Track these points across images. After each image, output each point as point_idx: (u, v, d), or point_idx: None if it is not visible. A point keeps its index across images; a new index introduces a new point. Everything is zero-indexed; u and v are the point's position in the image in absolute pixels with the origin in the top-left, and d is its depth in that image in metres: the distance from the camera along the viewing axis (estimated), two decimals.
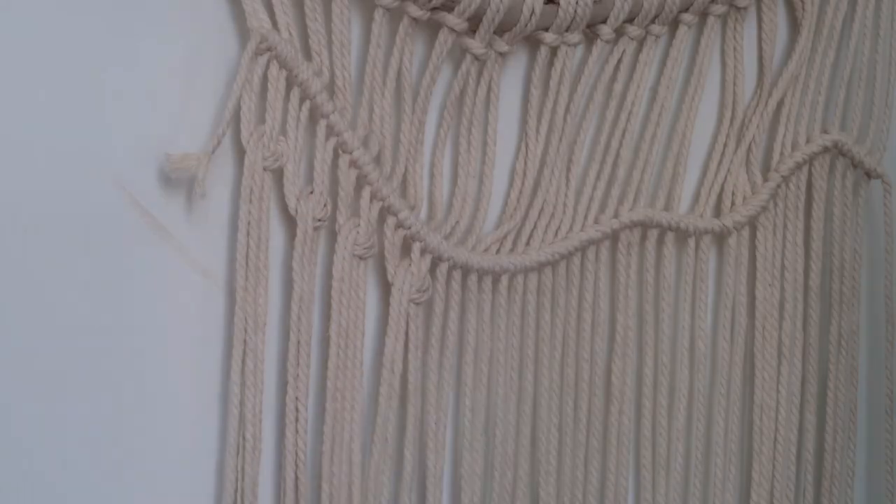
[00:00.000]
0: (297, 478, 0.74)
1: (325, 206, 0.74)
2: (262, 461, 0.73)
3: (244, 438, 0.72)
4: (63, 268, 0.69)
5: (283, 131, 0.73)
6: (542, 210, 0.83)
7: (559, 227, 0.83)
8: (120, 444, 0.71)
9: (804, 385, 0.94)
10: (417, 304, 0.77)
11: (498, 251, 0.81)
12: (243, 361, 0.72)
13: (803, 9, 0.91)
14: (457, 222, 0.80)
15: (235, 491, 0.72)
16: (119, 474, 0.72)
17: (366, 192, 0.75)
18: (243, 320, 0.72)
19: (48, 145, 0.68)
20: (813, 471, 0.95)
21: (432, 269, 0.78)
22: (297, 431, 0.74)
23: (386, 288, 0.78)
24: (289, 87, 0.72)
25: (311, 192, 0.73)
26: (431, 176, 0.79)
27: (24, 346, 0.68)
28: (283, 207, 0.74)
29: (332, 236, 0.75)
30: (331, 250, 0.75)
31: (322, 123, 0.73)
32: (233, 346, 0.72)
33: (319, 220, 0.73)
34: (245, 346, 0.72)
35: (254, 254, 0.72)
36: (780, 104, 0.91)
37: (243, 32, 0.72)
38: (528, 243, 0.82)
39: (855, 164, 0.95)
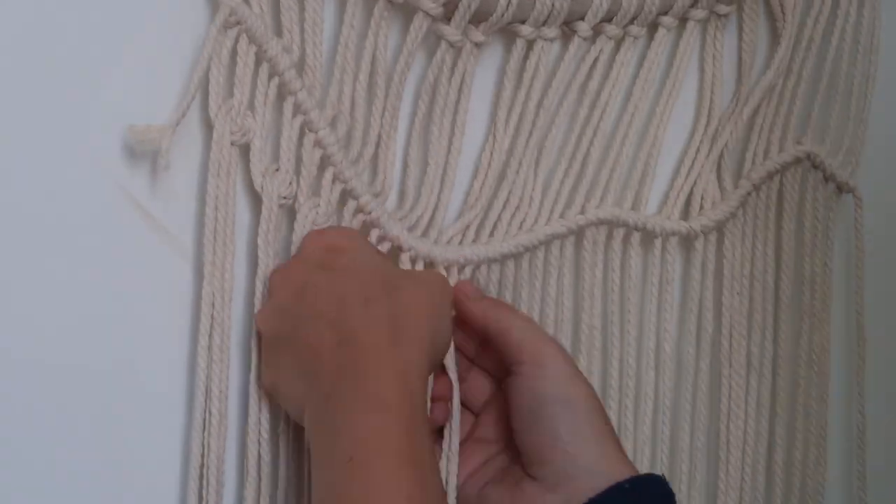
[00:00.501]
0: (259, 455, 0.74)
1: (290, 184, 0.74)
2: (227, 438, 0.74)
3: (210, 413, 0.72)
4: (30, 239, 0.69)
5: (252, 106, 0.73)
6: (507, 202, 0.83)
7: (524, 220, 0.83)
8: (85, 419, 0.71)
9: (774, 398, 0.94)
10: None
11: (461, 242, 0.81)
12: (210, 336, 0.73)
13: (784, 20, 0.91)
14: (422, 212, 0.80)
15: (201, 466, 0.73)
16: (84, 449, 0.72)
17: (328, 173, 0.75)
18: (210, 294, 0.72)
19: (13, 116, 0.68)
20: (782, 485, 0.95)
21: (394, 259, 0.78)
22: (259, 409, 0.74)
23: None
24: (258, 63, 0.73)
25: (277, 170, 0.74)
26: (405, 164, 0.80)
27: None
28: (251, 183, 0.74)
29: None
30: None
31: (290, 100, 0.73)
32: (200, 321, 0.72)
33: (284, 198, 0.74)
34: (212, 320, 0.73)
35: (221, 228, 0.72)
36: (756, 112, 0.91)
37: (215, 5, 0.72)
38: (491, 234, 0.82)
39: (827, 177, 0.95)
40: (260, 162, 0.73)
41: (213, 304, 0.73)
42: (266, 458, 0.74)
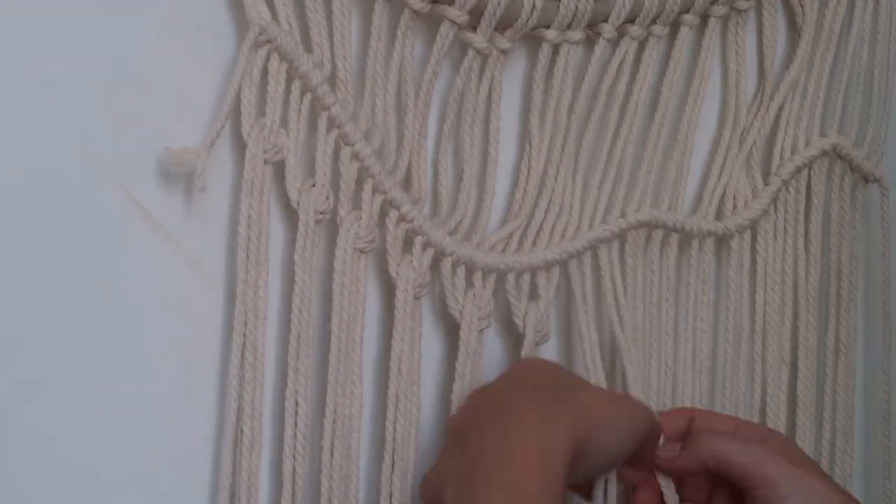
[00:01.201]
0: (294, 471, 0.73)
1: (326, 198, 0.73)
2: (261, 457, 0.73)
3: (242, 432, 0.72)
4: (59, 265, 0.68)
5: (284, 124, 0.72)
6: (548, 209, 0.82)
7: (566, 227, 0.83)
8: (116, 440, 0.71)
9: (805, 389, 0.94)
10: (417, 298, 0.77)
11: (504, 250, 0.81)
12: (242, 355, 0.72)
13: (803, 13, 0.91)
14: (461, 219, 0.79)
15: (232, 485, 0.72)
16: (114, 470, 0.71)
17: (368, 186, 0.75)
18: (243, 314, 0.72)
19: (45, 140, 0.67)
20: None
21: (435, 265, 0.78)
22: (296, 425, 0.73)
23: (386, 284, 0.77)
24: (289, 80, 0.72)
25: (313, 185, 0.73)
26: (435, 172, 0.79)
27: (19, 342, 0.68)
28: (284, 201, 0.73)
29: (333, 230, 0.74)
30: (331, 244, 0.74)
31: (324, 116, 0.73)
32: (232, 340, 0.72)
33: (321, 213, 0.73)
34: (245, 339, 0.72)
35: (254, 247, 0.72)
36: (781, 108, 0.91)
37: (241, 24, 0.71)
38: (534, 243, 0.82)
39: (853, 168, 0.95)
40: (295, 178, 0.72)
41: (245, 324, 0.72)
42: (301, 472, 0.73)
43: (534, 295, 0.82)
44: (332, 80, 0.73)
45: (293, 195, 0.72)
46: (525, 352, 0.81)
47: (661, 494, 0.80)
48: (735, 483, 0.78)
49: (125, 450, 0.71)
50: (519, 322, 0.81)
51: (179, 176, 0.71)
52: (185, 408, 0.73)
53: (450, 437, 0.75)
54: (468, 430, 0.72)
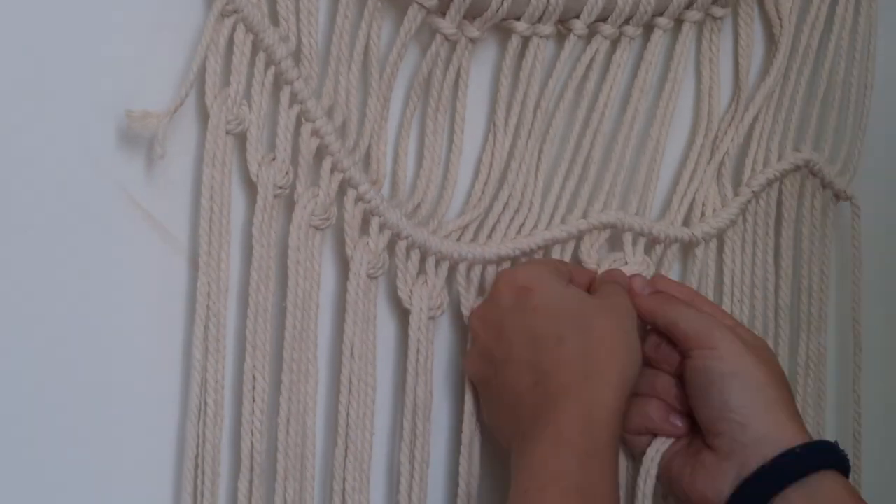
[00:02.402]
0: (252, 446, 0.73)
1: (286, 173, 0.74)
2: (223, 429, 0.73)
3: (206, 404, 0.72)
4: (26, 232, 0.69)
5: (248, 96, 0.73)
6: (507, 203, 0.82)
7: (524, 223, 0.83)
8: (81, 411, 0.71)
9: None
10: (373, 278, 0.77)
11: (459, 238, 0.81)
12: (206, 327, 0.72)
13: (781, 25, 0.91)
14: (419, 203, 0.79)
15: (196, 457, 0.72)
16: (78, 443, 0.71)
17: (326, 163, 0.75)
18: (206, 285, 0.72)
19: (12, 106, 0.68)
20: None
21: (391, 247, 0.78)
22: (253, 400, 0.73)
23: (345, 265, 0.77)
24: (254, 52, 0.72)
25: (273, 159, 0.73)
26: (396, 155, 0.79)
27: None
28: (246, 174, 0.73)
29: (292, 205, 0.75)
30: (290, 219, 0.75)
31: (286, 90, 0.73)
32: (195, 312, 0.72)
33: (280, 188, 0.73)
34: (208, 311, 0.72)
35: (217, 218, 0.72)
36: (755, 119, 0.91)
37: None
38: (490, 236, 0.82)
39: (825, 185, 0.95)
40: (256, 151, 0.73)
41: (208, 295, 0.72)
42: (259, 448, 0.73)
43: (482, 289, 0.82)
44: (296, 55, 0.74)
45: (253, 168, 0.73)
46: (469, 345, 0.81)
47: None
48: (678, 344, 0.79)
49: (89, 421, 0.72)
50: (466, 314, 0.81)
51: (143, 145, 0.71)
52: (150, 381, 0.73)
53: (478, 382, 0.79)
54: (500, 379, 0.76)
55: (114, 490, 0.72)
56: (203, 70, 0.71)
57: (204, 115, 0.72)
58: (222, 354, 0.72)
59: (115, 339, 0.72)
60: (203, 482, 0.72)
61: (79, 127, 0.70)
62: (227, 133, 0.72)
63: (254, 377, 0.74)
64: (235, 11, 0.71)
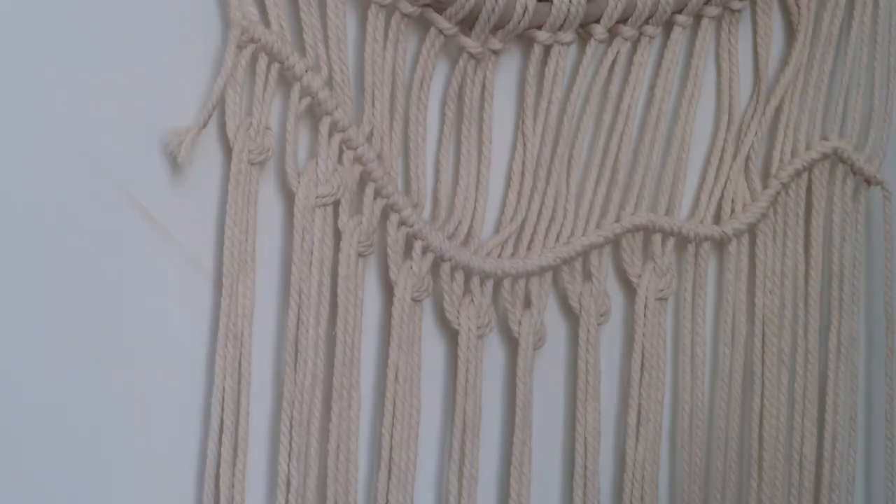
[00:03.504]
0: (289, 472, 0.73)
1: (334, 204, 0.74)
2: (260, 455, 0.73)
3: (224, 423, 0.72)
4: (54, 258, 0.69)
5: (281, 126, 0.72)
6: (540, 213, 0.82)
7: (560, 231, 0.83)
8: (107, 435, 0.71)
9: (804, 392, 0.94)
10: (417, 301, 0.77)
11: (500, 255, 0.81)
12: (226, 346, 0.72)
13: (799, 14, 0.90)
14: (459, 223, 0.79)
15: (216, 476, 0.72)
16: (104, 464, 0.71)
17: (369, 189, 0.75)
18: (228, 308, 0.72)
19: (35, 137, 0.67)
20: (812, 478, 0.94)
21: (434, 270, 0.78)
22: (290, 426, 0.73)
23: (386, 287, 0.77)
24: (288, 83, 0.72)
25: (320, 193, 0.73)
26: (437, 175, 0.79)
27: (16, 333, 0.68)
28: (270, 199, 0.74)
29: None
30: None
31: (326, 120, 0.73)
32: (217, 339, 0.72)
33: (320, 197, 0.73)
34: (228, 332, 0.72)
35: (240, 246, 0.71)
36: (779, 110, 0.90)
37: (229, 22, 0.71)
38: (529, 247, 0.82)
39: (854, 171, 0.95)
40: (311, 182, 0.73)
41: (229, 316, 0.72)
42: (296, 476, 0.74)
43: (528, 301, 0.82)
44: (329, 83, 0.73)
45: (308, 202, 0.73)
46: (521, 359, 0.81)
47: None
48: None
49: (114, 447, 0.71)
50: (515, 328, 0.81)
51: (169, 173, 0.71)
52: (177, 405, 0.73)
53: None
54: None
55: None
56: (222, 100, 0.70)
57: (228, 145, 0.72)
58: (248, 380, 0.72)
59: (136, 361, 0.72)
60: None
61: (103, 158, 0.69)
62: (251, 163, 0.71)
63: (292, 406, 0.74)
64: (252, 41, 0.70)
